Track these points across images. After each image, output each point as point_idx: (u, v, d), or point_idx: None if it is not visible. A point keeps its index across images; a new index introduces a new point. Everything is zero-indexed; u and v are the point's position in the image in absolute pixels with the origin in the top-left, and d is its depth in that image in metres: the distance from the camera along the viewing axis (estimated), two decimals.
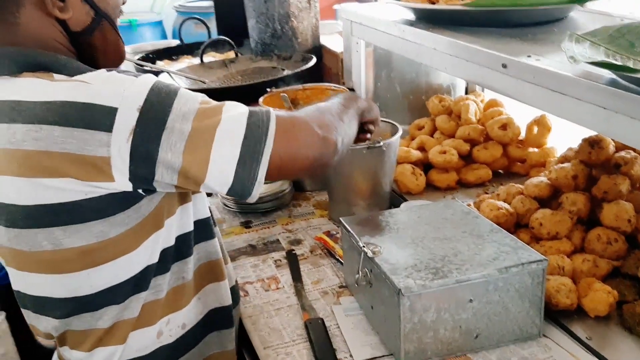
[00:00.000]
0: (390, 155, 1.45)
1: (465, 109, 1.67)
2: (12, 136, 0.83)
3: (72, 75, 0.86)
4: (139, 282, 0.92)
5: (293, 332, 1.14)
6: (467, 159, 1.66)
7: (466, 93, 1.92)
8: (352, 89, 1.73)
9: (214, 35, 2.69)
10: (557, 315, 1.10)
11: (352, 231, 1.17)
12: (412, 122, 1.83)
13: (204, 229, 1.03)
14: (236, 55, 2.31)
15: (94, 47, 0.95)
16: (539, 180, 1.33)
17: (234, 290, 1.10)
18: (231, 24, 2.59)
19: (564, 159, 1.38)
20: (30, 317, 1.00)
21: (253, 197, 0.86)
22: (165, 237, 0.93)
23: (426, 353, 1.01)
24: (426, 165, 1.66)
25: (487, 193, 1.55)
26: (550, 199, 1.31)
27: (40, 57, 0.87)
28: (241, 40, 2.41)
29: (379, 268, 1.04)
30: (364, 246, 1.09)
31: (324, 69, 2.26)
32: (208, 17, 2.88)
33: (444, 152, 1.60)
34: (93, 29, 0.94)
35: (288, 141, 0.86)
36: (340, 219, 1.23)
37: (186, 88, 0.86)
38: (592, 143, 1.28)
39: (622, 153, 1.28)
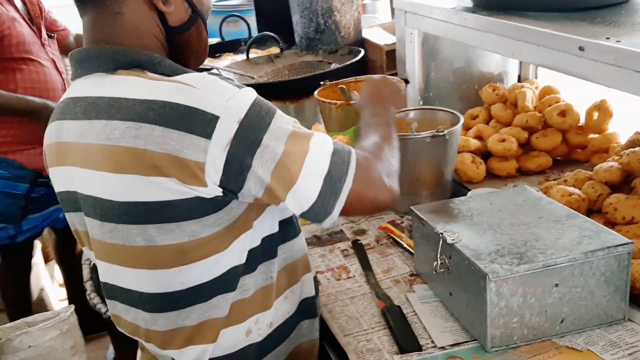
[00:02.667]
0: (453, 144, 1.45)
1: (522, 97, 1.66)
2: (111, 132, 0.85)
3: (167, 74, 0.87)
4: (225, 282, 0.93)
5: (370, 319, 1.14)
6: (524, 146, 1.65)
7: (519, 81, 1.90)
8: (406, 80, 1.72)
9: (254, 32, 2.70)
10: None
11: (426, 219, 1.17)
12: (465, 112, 1.82)
13: (288, 228, 1.02)
14: (281, 50, 2.32)
15: (189, 44, 0.97)
16: (609, 165, 1.31)
17: (315, 280, 1.10)
18: (272, 21, 2.60)
19: (632, 143, 1.36)
20: (118, 308, 1.01)
21: (324, 226, 0.95)
22: (252, 237, 0.94)
23: (512, 338, 1.01)
24: (483, 154, 1.65)
25: (548, 180, 1.53)
26: (621, 183, 1.30)
27: (135, 55, 0.88)
28: (282, 36, 2.42)
29: (460, 254, 1.04)
30: (442, 233, 1.09)
31: (367, 62, 2.26)
32: (245, 14, 2.90)
33: (503, 141, 1.59)
34: (189, 26, 0.96)
35: (363, 185, 0.88)
36: (412, 207, 1.23)
37: (236, 83, 0.88)
38: None
39: None
